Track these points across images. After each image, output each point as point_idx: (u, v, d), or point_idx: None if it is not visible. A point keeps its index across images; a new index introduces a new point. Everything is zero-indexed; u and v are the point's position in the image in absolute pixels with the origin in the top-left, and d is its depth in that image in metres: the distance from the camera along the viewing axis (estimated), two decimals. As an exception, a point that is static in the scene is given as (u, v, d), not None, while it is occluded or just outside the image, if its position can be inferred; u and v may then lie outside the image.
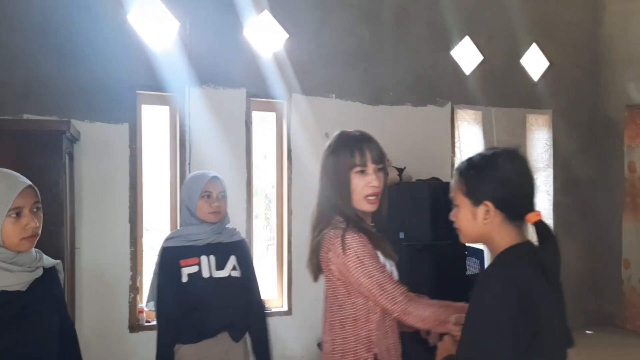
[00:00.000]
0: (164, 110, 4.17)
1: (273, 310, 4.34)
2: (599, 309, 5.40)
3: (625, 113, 5.25)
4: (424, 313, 1.56)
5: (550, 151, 5.41)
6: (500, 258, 1.34)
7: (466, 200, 1.37)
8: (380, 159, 1.69)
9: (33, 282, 1.53)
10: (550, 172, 5.40)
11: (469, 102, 5.05)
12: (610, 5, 5.46)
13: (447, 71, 4.90)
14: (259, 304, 2.45)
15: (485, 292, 1.27)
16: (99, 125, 3.85)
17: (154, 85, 3.97)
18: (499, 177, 1.33)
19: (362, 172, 1.65)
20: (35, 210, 1.53)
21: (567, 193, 5.37)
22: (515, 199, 1.34)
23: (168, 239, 2.38)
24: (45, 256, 1.62)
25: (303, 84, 4.40)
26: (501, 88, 5.15)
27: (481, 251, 4.90)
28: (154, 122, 4.23)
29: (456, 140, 5.05)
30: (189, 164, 4.02)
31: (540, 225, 1.32)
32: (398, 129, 4.58)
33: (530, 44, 5.15)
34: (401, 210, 3.98)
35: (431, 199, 4.18)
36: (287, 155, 4.41)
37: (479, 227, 1.35)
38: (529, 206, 1.35)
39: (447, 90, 4.95)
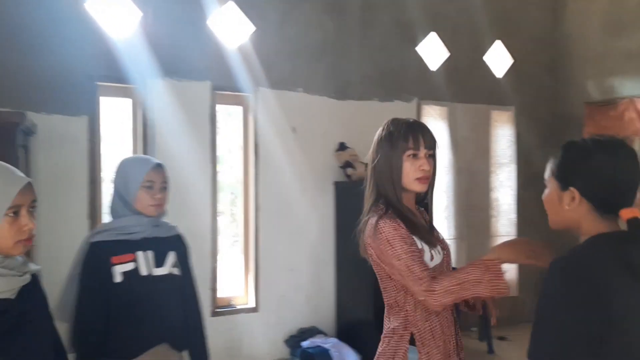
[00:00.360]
0: (126, 102, 4.04)
1: (239, 307, 4.28)
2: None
3: (584, 110, 5.39)
4: (443, 283, 1.54)
5: (514, 147, 5.52)
6: (574, 247, 1.28)
7: (555, 183, 1.34)
8: (432, 145, 1.75)
9: (21, 289, 1.37)
10: (513, 168, 5.51)
11: (435, 98, 5.09)
12: (570, 3, 5.59)
13: (413, 67, 4.91)
14: (197, 312, 2.16)
15: (546, 279, 1.25)
16: (57, 117, 3.69)
17: (115, 77, 3.83)
18: (591, 166, 1.27)
19: (415, 155, 1.71)
20: (31, 209, 1.38)
21: (530, 188, 5.48)
22: (606, 190, 1.27)
23: (95, 233, 2.02)
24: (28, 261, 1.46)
25: (270, 77, 4.34)
26: (466, 84, 5.21)
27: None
28: (116, 115, 4.09)
29: (422, 135, 5.08)
30: (152, 158, 3.92)
31: (634, 222, 1.24)
32: (365, 124, 4.56)
33: (493, 41, 5.21)
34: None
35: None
36: (254, 150, 4.35)
37: (563, 212, 1.32)
38: (623, 201, 1.27)
39: (413, 86, 4.97)
